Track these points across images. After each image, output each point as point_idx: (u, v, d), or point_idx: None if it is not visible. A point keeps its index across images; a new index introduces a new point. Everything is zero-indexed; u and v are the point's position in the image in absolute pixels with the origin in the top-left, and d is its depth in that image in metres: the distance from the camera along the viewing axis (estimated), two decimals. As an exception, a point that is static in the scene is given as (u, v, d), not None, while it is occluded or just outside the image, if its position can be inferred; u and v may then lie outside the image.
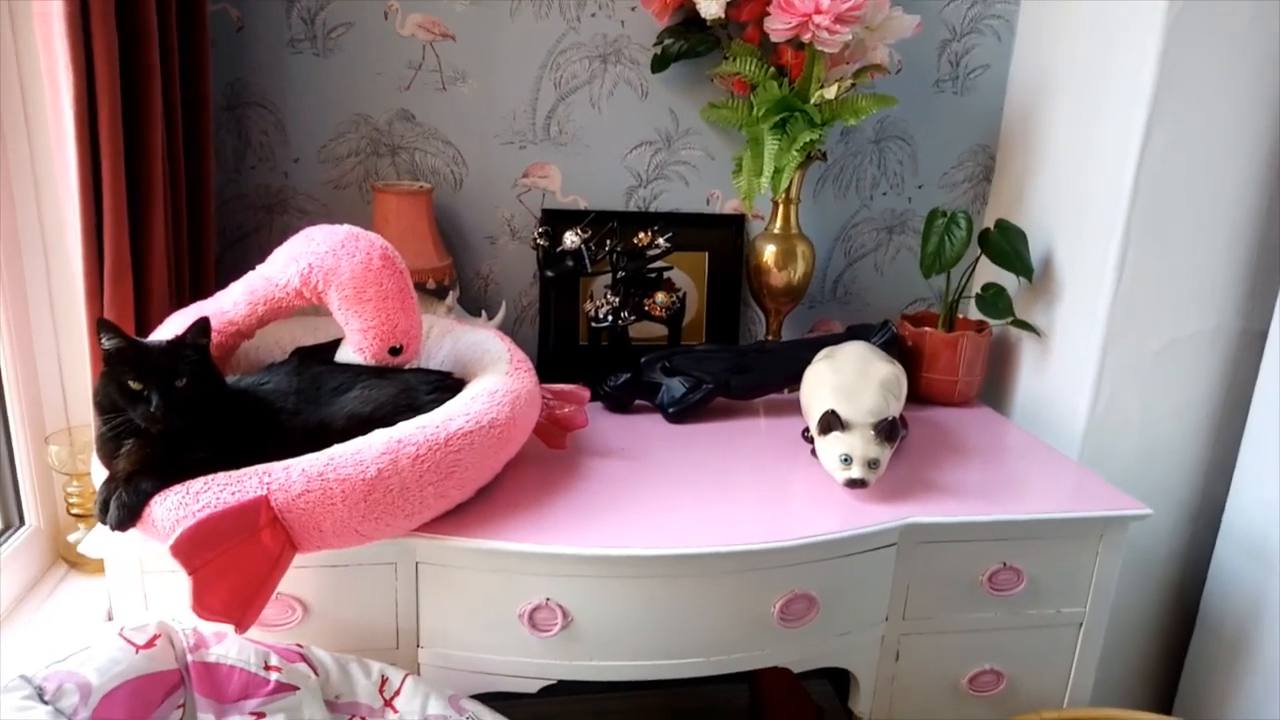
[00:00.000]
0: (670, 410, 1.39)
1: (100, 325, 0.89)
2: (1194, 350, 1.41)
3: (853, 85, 1.39)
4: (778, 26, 1.34)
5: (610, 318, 1.45)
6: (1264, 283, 1.38)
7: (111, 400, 0.89)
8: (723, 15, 1.38)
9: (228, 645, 0.91)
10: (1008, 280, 1.51)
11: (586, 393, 1.27)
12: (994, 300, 1.50)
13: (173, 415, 0.88)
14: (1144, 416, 1.43)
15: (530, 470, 1.17)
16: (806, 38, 1.33)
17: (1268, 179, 1.34)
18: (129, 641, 0.87)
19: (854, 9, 1.31)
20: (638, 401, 1.43)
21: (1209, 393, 1.44)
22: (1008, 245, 1.47)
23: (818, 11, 1.30)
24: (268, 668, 0.90)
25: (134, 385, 0.88)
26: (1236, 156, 1.33)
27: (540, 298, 1.57)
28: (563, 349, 1.55)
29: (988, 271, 1.53)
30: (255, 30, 1.41)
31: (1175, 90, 1.28)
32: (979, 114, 1.64)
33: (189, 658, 0.89)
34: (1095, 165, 1.40)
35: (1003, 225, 1.49)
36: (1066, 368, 1.47)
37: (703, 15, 1.39)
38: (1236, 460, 1.39)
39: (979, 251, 1.50)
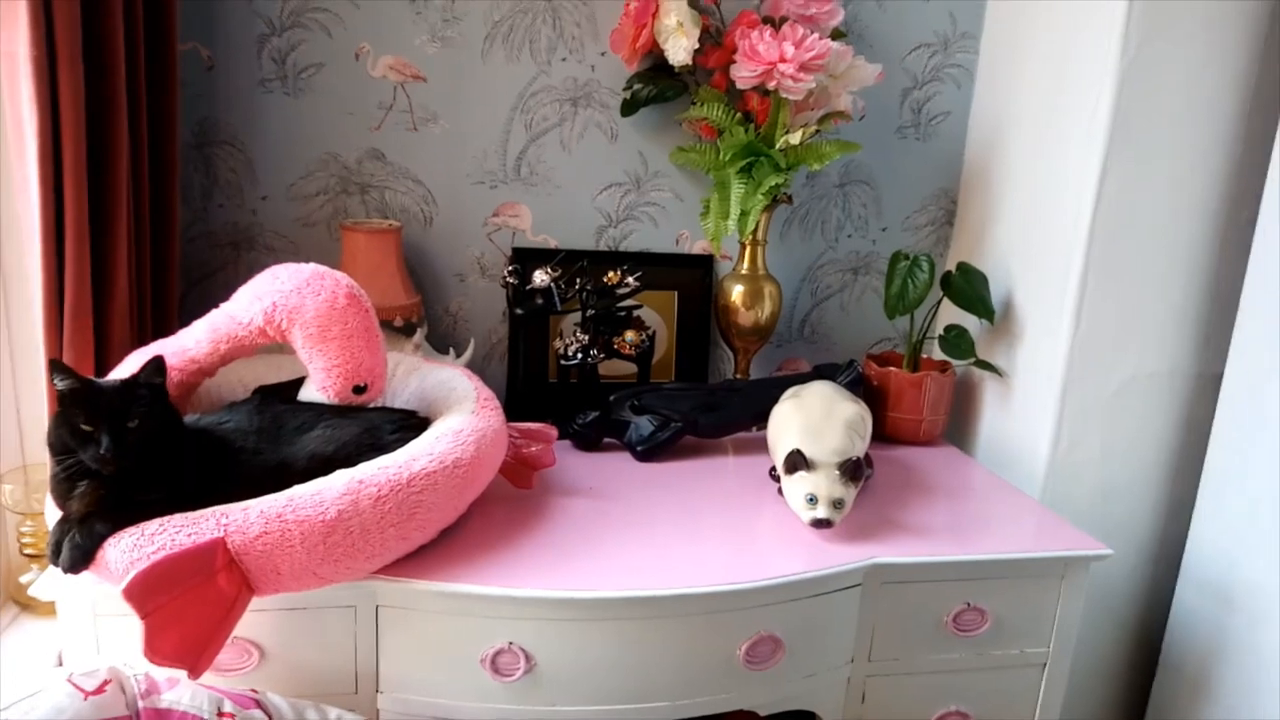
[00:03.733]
0: (639, 448, 1.39)
1: (52, 366, 0.88)
2: (1151, 391, 1.44)
3: (817, 131, 1.42)
4: (744, 74, 1.37)
5: (579, 355, 1.45)
6: (1218, 326, 1.42)
7: (64, 442, 0.88)
8: (690, 62, 1.41)
9: (180, 691, 0.88)
10: (970, 321, 1.54)
11: (554, 431, 1.27)
12: (956, 341, 1.52)
13: (124, 456, 0.87)
14: (1104, 456, 1.45)
15: (496, 510, 1.16)
16: (772, 85, 1.36)
17: (1221, 223, 1.38)
18: (78, 687, 0.84)
19: (817, 58, 1.34)
20: (606, 439, 1.43)
21: (1167, 434, 1.47)
22: (969, 288, 1.50)
23: (782, 60, 1.33)
24: (221, 714, 0.88)
25: (85, 427, 0.87)
26: (1190, 200, 1.37)
27: (509, 335, 1.58)
28: (531, 387, 1.55)
29: (951, 312, 1.56)
30: (226, 69, 1.42)
31: (1129, 135, 1.32)
32: (940, 159, 1.68)
33: (140, 704, 0.87)
34: (1053, 209, 1.43)
35: (964, 268, 1.52)
36: (1028, 407, 1.49)
37: (671, 62, 1.42)
38: (1195, 501, 1.42)
39: (942, 293, 1.52)
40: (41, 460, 1.16)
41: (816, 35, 1.35)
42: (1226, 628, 1.34)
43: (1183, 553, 1.44)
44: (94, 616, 0.97)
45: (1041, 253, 1.46)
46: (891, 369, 1.52)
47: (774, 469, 1.28)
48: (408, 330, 1.42)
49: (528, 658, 1.01)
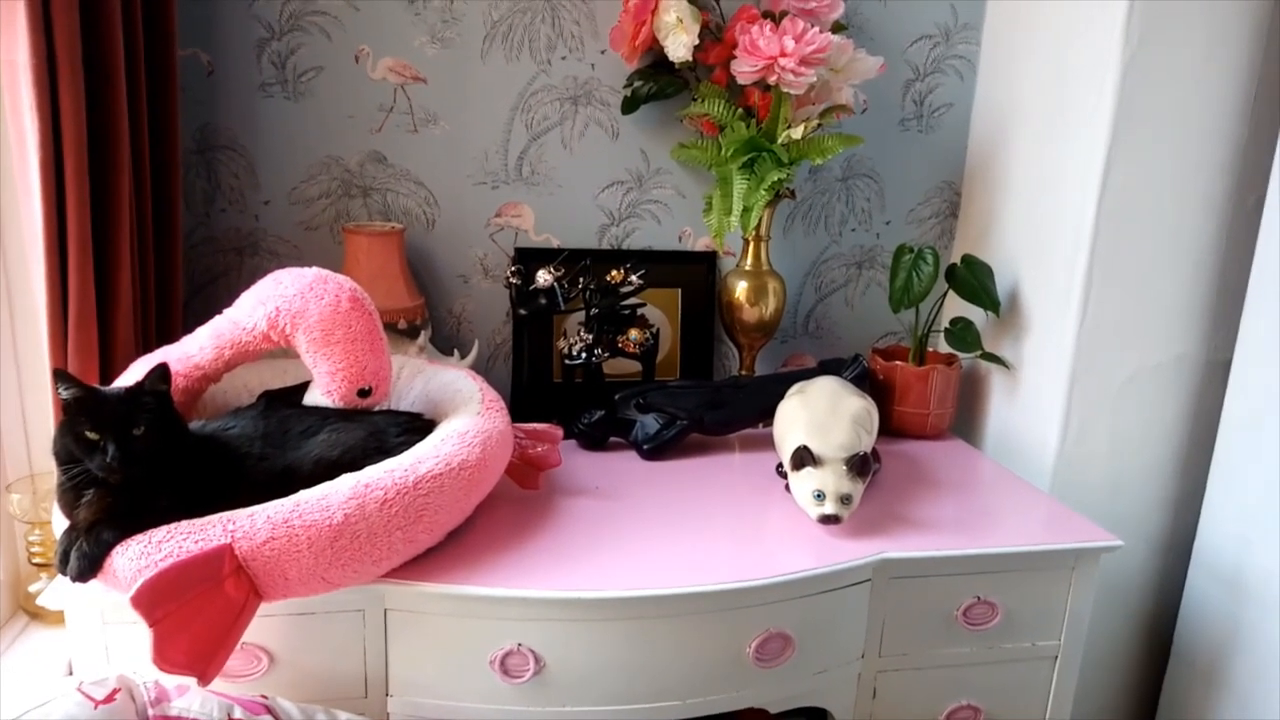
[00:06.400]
0: (645, 447, 1.39)
1: (57, 375, 0.88)
2: (1160, 381, 1.44)
3: (819, 125, 1.42)
4: (744, 69, 1.37)
5: (584, 355, 1.45)
6: (1226, 313, 1.41)
7: (69, 451, 0.88)
8: (690, 58, 1.40)
9: (190, 698, 0.88)
10: (976, 314, 1.53)
11: (560, 431, 1.27)
12: (962, 334, 1.51)
13: (130, 465, 0.87)
14: (1112, 447, 1.45)
15: (502, 511, 1.16)
16: (772, 80, 1.35)
17: (1226, 211, 1.37)
18: (88, 696, 0.84)
19: (818, 52, 1.34)
20: (612, 439, 1.43)
21: (1176, 423, 1.46)
22: (974, 280, 1.49)
23: (783, 54, 1.33)
24: (231, 721, 0.88)
25: (90, 435, 0.87)
26: (1195, 189, 1.36)
27: (514, 336, 1.57)
28: (536, 387, 1.55)
29: (956, 305, 1.55)
30: (226, 74, 1.41)
31: (1133, 126, 1.31)
32: (944, 151, 1.67)
33: (150, 712, 0.87)
34: (1057, 200, 1.42)
35: (969, 260, 1.51)
36: (1035, 399, 1.48)
37: (671, 58, 1.41)
38: (1205, 490, 1.41)
39: (947, 286, 1.52)
40: (48, 469, 1.17)
41: (817, 29, 1.35)
42: (1238, 618, 1.33)
43: (1193, 543, 1.43)
44: (103, 625, 0.97)
45: (1047, 243, 1.45)
46: (897, 363, 1.51)
47: (780, 465, 1.27)
48: (412, 333, 1.42)
49: (537, 659, 1.01)
